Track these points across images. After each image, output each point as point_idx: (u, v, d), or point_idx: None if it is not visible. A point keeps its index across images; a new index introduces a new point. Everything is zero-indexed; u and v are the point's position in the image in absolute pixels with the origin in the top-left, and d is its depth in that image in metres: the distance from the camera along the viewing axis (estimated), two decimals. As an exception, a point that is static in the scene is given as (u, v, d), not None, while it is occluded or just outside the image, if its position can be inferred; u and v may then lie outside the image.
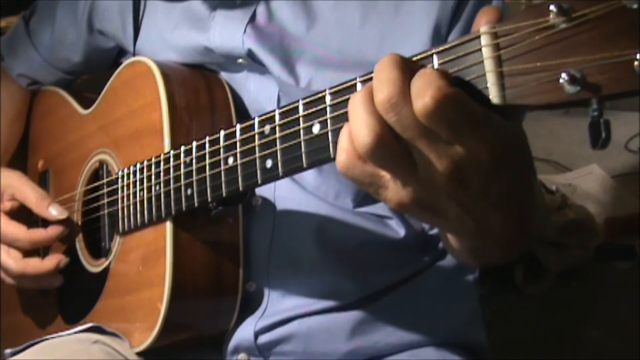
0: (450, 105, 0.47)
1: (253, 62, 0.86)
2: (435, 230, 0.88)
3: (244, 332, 0.86)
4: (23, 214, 0.98)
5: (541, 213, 0.80)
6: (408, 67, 0.49)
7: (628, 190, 1.93)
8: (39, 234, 0.94)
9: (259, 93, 0.87)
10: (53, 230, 0.94)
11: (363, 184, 0.53)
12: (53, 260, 0.94)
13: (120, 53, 1.07)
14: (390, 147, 0.50)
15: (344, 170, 0.52)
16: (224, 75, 0.90)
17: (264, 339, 0.86)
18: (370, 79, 0.55)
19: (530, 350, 1.54)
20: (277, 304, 0.86)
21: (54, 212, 0.94)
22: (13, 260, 0.95)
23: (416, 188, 0.51)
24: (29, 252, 0.96)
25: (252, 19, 0.85)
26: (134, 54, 0.97)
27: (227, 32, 0.86)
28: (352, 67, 0.80)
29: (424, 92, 0.47)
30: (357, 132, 0.50)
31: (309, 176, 0.86)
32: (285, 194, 0.85)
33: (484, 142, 0.49)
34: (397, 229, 0.88)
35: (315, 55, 0.83)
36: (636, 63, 0.43)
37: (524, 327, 1.62)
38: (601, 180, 1.94)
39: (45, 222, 0.97)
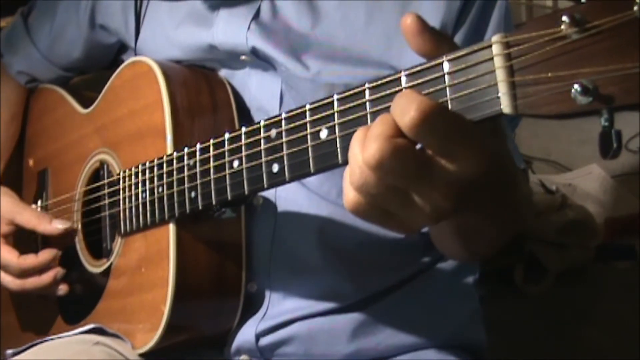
0: (435, 116, 0.48)
1: (256, 59, 0.85)
2: None
3: (246, 334, 0.86)
4: (22, 239, 0.98)
5: (529, 200, 0.83)
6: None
7: (628, 190, 1.93)
8: (30, 262, 0.95)
9: (261, 90, 0.87)
10: (45, 256, 0.95)
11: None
12: (50, 274, 0.95)
13: (120, 50, 1.06)
14: (383, 186, 0.50)
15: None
16: (225, 73, 0.90)
17: (265, 341, 0.86)
18: (380, 85, 0.55)
19: (530, 350, 1.55)
20: (278, 305, 0.87)
21: (59, 225, 0.95)
22: (11, 279, 0.96)
23: (417, 214, 0.52)
24: (26, 251, 0.97)
25: (256, 15, 0.85)
26: (134, 51, 0.96)
27: (231, 29, 0.85)
28: (359, 64, 0.80)
29: (408, 109, 0.48)
30: (352, 169, 0.52)
31: None
32: (286, 193, 0.85)
33: (475, 154, 0.50)
34: None
35: (321, 51, 0.83)
36: (649, 74, 0.43)
37: (524, 327, 1.63)
38: (601, 180, 1.95)
39: (44, 244, 0.98)
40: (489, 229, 0.69)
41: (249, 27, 0.84)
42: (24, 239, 0.99)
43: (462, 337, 0.93)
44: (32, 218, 0.96)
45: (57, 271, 0.95)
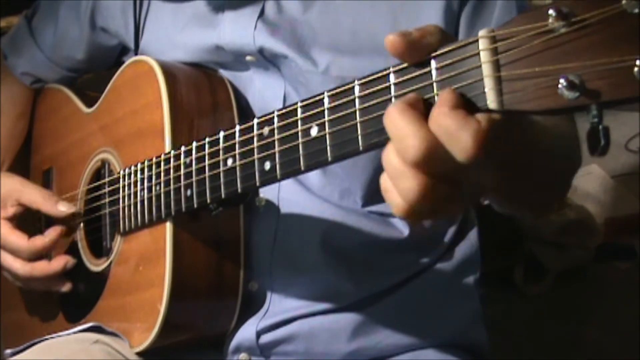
0: (489, 139, 0.47)
1: (262, 59, 0.85)
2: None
3: (246, 332, 0.86)
4: (27, 220, 0.98)
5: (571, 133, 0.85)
6: (417, 110, 0.48)
7: (628, 190, 1.92)
8: (38, 243, 0.94)
9: (265, 92, 0.87)
10: (51, 235, 0.94)
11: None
12: (60, 262, 0.94)
13: (123, 51, 1.06)
14: (437, 188, 0.49)
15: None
16: (229, 75, 0.90)
17: (265, 338, 0.86)
18: (370, 82, 0.55)
19: (530, 350, 1.54)
20: (279, 304, 0.86)
21: (63, 208, 0.95)
22: (20, 264, 0.95)
23: (467, 199, 0.52)
24: (31, 236, 0.96)
25: (262, 14, 0.85)
26: (135, 53, 0.97)
27: (238, 29, 0.86)
28: (368, 51, 0.80)
29: (460, 138, 0.46)
30: (403, 187, 0.49)
31: (313, 176, 0.86)
32: (289, 195, 0.85)
33: (519, 138, 0.50)
34: (402, 228, 0.87)
35: (330, 40, 0.83)
36: (636, 69, 0.42)
37: (524, 327, 1.62)
38: (601, 180, 1.94)
39: (47, 227, 0.97)
40: (539, 184, 0.68)
41: (255, 27, 0.84)
42: (28, 225, 0.98)
43: (462, 337, 0.93)
44: (38, 197, 0.96)
45: (67, 260, 0.94)
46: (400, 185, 0.49)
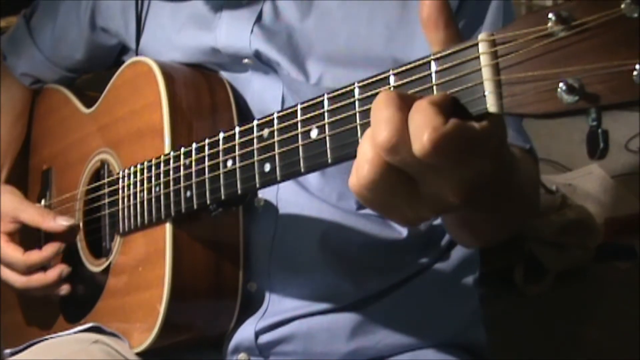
0: (447, 142, 0.46)
1: (259, 62, 0.85)
2: (439, 221, 0.89)
3: (245, 332, 0.86)
4: (27, 232, 0.99)
5: (535, 182, 0.86)
6: (405, 103, 0.48)
7: (628, 190, 1.92)
8: (34, 257, 0.95)
9: (264, 93, 0.87)
10: (48, 251, 0.95)
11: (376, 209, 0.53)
12: (55, 272, 0.95)
13: (122, 51, 1.06)
14: (390, 180, 0.49)
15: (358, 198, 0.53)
16: (227, 76, 0.90)
17: (264, 338, 0.86)
18: (370, 84, 0.55)
19: (530, 350, 1.54)
20: (278, 304, 0.87)
21: (63, 222, 0.95)
22: (17, 277, 0.96)
23: (422, 207, 0.51)
24: (30, 249, 0.97)
25: (259, 18, 0.85)
26: (136, 53, 0.97)
27: (234, 32, 0.86)
28: (362, 64, 0.80)
29: (421, 133, 0.46)
30: (359, 165, 0.50)
31: (312, 178, 0.86)
32: (287, 196, 0.85)
33: (486, 157, 0.49)
34: (400, 230, 0.88)
35: (325, 50, 0.83)
36: (635, 73, 0.42)
37: (524, 327, 1.62)
38: (601, 180, 1.94)
39: (47, 241, 0.98)
40: (496, 219, 0.69)
41: (252, 31, 0.85)
42: (28, 237, 0.99)
43: (462, 337, 0.93)
44: (36, 215, 0.97)
45: (63, 269, 0.95)
46: (359, 168, 0.50)
